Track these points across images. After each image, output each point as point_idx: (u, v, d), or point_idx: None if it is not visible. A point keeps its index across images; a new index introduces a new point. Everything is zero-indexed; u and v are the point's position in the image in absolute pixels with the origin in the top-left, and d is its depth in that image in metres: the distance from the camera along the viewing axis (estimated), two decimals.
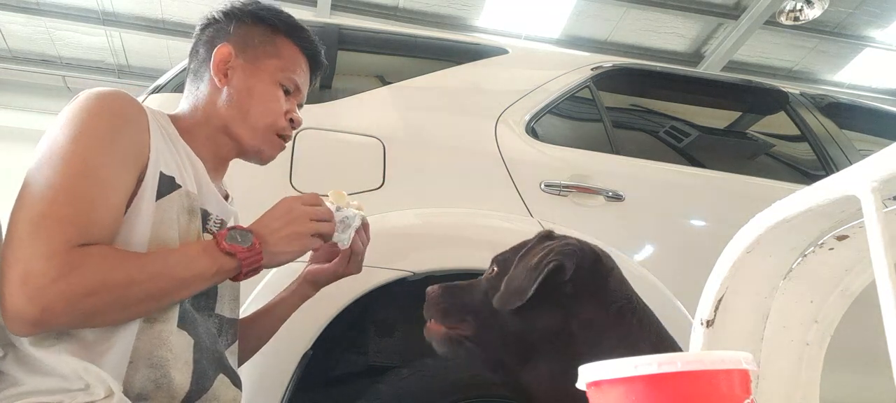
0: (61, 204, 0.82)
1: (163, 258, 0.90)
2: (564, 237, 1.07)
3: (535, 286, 0.95)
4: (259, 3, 1.13)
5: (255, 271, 0.97)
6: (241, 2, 1.13)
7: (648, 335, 0.97)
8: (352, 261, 1.19)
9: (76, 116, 0.89)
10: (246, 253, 0.94)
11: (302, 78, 1.14)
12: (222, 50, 1.08)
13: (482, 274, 1.15)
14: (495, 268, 1.10)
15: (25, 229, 0.80)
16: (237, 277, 0.96)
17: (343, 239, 1.13)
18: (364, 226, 1.19)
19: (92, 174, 0.86)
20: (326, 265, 1.22)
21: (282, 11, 1.14)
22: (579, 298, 0.99)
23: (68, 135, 0.87)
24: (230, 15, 1.12)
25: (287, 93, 1.12)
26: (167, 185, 0.95)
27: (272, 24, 1.11)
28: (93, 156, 0.87)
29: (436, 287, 1.12)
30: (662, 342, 0.97)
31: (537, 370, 0.98)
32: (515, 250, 1.10)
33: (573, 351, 0.93)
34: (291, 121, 1.12)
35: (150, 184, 0.93)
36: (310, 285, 1.23)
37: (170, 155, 0.98)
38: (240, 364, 1.20)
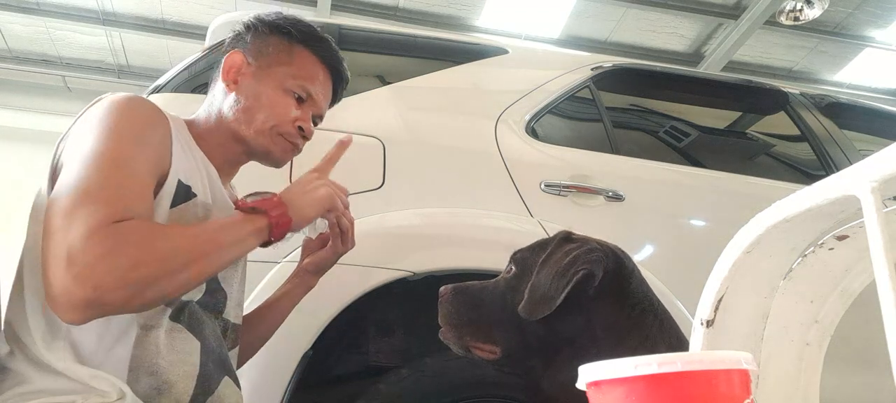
0: (99, 190, 0.82)
1: (199, 226, 0.92)
2: (584, 239, 1.06)
3: (563, 295, 0.94)
4: (280, 13, 1.15)
5: (285, 230, 0.98)
6: (265, 14, 1.15)
7: (668, 337, 0.97)
8: (343, 239, 1.19)
9: (105, 117, 0.90)
10: (270, 204, 0.96)
11: (317, 88, 1.13)
12: (233, 56, 1.10)
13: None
14: (513, 268, 1.08)
15: (62, 216, 0.79)
16: (269, 239, 0.96)
17: (322, 223, 1.17)
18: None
19: (124, 165, 0.86)
20: (321, 251, 1.23)
21: (300, 21, 1.15)
22: (603, 302, 0.98)
23: (100, 133, 0.88)
24: (249, 26, 1.14)
25: (300, 101, 1.12)
26: (183, 194, 0.96)
27: (288, 32, 1.12)
28: (124, 150, 0.88)
29: (448, 289, 1.10)
30: (681, 344, 0.97)
31: (558, 373, 0.97)
32: (534, 250, 1.08)
33: (595, 354, 0.93)
34: (300, 129, 1.12)
35: (168, 191, 0.94)
36: (311, 274, 1.24)
37: (188, 163, 1.00)
38: (243, 361, 1.21)
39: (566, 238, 1.07)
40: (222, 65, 1.10)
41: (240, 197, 1.19)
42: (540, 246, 1.08)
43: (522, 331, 1.01)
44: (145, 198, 0.88)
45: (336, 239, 1.19)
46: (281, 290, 1.25)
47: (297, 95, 1.11)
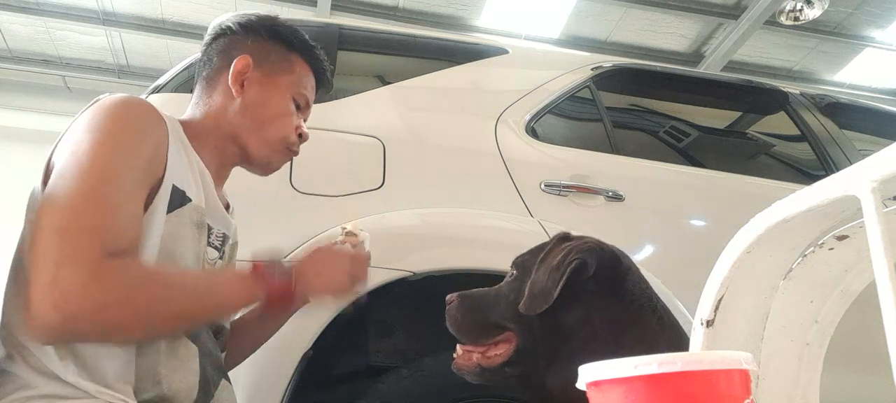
0: (88, 211, 0.83)
1: (190, 277, 0.92)
2: (582, 237, 1.08)
3: (559, 287, 0.96)
4: (276, 19, 1.17)
5: (285, 306, 1.02)
6: (258, 16, 1.15)
7: (669, 335, 0.98)
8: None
9: (100, 122, 0.90)
10: (274, 284, 0.98)
11: (311, 95, 1.19)
12: (242, 61, 1.09)
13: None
14: (515, 272, 1.11)
15: (54, 235, 0.80)
16: (266, 308, 0.99)
17: None
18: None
19: (115, 181, 0.86)
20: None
21: (298, 30, 1.17)
22: (600, 296, 1.00)
23: (92, 142, 0.88)
24: (248, 28, 1.14)
25: (298, 108, 1.15)
26: (178, 199, 0.96)
27: (288, 41, 1.14)
28: (116, 164, 0.87)
29: (454, 296, 1.12)
30: (681, 341, 0.97)
31: (562, 370, 0.98)
32: (534, 252, 1.10)
33: (595, 350, 0.93)
34: (300, 135, 1.16)
35: (163, 196, 0.94)
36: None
37: (183, 167, 0.99)
38: (235, 360, 1.20)
39: (563, 237, 1.09)
40: (232, 68, 1.09)
41: (233, 201, 1.19)
42: (539, 248, 1.11)
43: (525, 330, 1.03)
44: (134, 217, 0.88)
45: None
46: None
47: (297, 103, 1.15)
